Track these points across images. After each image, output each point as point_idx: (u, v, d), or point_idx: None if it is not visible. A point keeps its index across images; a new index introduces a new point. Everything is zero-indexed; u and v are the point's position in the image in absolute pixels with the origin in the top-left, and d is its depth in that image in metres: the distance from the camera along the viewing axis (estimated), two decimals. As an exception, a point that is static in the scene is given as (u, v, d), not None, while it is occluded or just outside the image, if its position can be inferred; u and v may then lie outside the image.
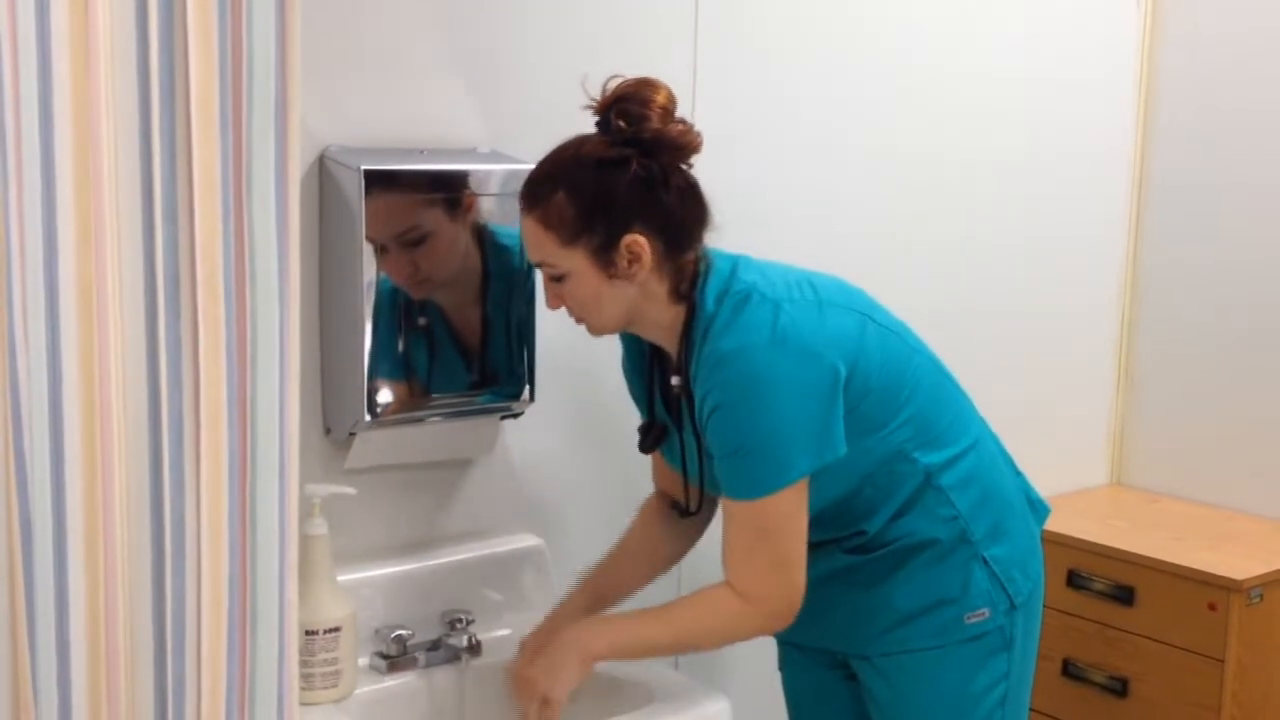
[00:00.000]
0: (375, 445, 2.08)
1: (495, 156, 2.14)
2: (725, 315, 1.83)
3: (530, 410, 2.20)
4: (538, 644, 1.99)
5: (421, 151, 2.09)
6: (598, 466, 2.36)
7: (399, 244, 2.02)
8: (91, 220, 1.42)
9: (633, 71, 1.84)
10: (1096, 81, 3.08)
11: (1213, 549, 2.81)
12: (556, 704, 1.87)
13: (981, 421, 2.05)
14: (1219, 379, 3.09)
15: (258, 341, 1.50)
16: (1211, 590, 2.68)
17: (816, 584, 1.92)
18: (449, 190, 2.06)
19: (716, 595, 1.87)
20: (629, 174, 1.79)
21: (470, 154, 2.14)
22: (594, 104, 1.82)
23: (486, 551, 2.22)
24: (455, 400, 2.12)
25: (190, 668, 1.53)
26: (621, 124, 1.79)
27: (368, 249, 1.98)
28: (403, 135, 2.09)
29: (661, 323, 1.89)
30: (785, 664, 2.19)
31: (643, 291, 1.85)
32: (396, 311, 2.03)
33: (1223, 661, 2.68)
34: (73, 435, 1.44)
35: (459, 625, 2.08)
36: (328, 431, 2.07)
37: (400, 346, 2.04)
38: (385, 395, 2.03)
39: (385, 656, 2.05)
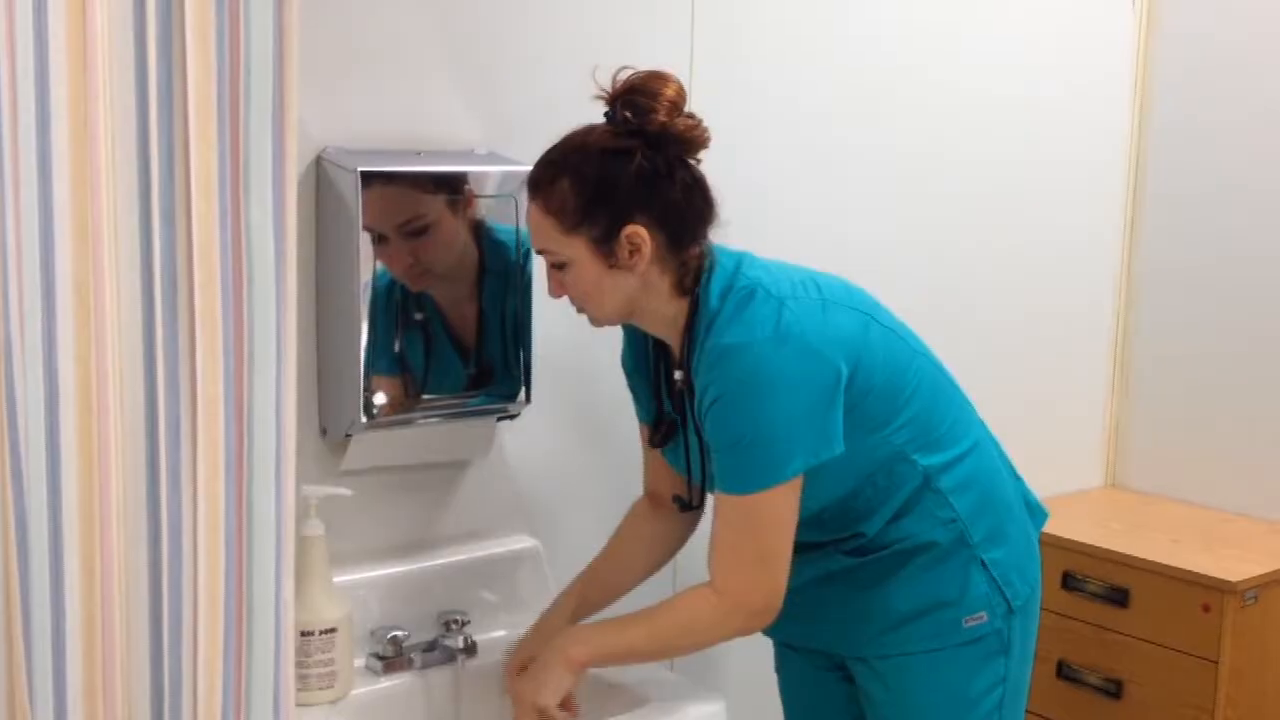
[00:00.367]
0: (371, 446, 2.08)
1: (493, 158, 2.14)
2: (729, 311, 1.83)
3: (526, 412, 2.21)
4: (526, 650, 2.00)
5: (419, 153, 2.09)
6: (594, 468, 2.36)
7: (399, 234, 2.02)
8: (89, 220, 1.42)
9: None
10: (1092, 86, 3.08)
11: (1207, 551, 2.82)
12: (549, 711, 1.87)
13: (981, 424, 2.05)
14: (1214, 382, 3.10)
15: (254, 342, 1.51)
16: (1206, 592, 2.69)
17: (814, 585, 1.92)
18: (446, 192, 2.06)
19: (696, 595, 1.87)
20: (633, 165, 1.79)
21: (468, 155, 2.14)
22: (605, 94, 1.83)
23: (482, 553, 2.22)
24: (451, 402, 2.12)
25: (186, 668, 1.53)
26: (628, 115, 1.80)
27: (365, 251, 1.98)
28: (400, 136, 2.10)
29: (664, 316, 1.89)
30: (781, 665, 2.19)
31: (644, 283, 1.85)
32: (393, 312, 2.03)
33: (1217, 663, 2.68)
34: (69, 435, 1.44)
35: (455, 626, 2.08)
36: (324, 433, 2.07)
37: (397, 348, 2.04)
38: (381, 397, 2.03)
39: (381, 657, 2.05)
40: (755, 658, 2.22)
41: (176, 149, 1.46)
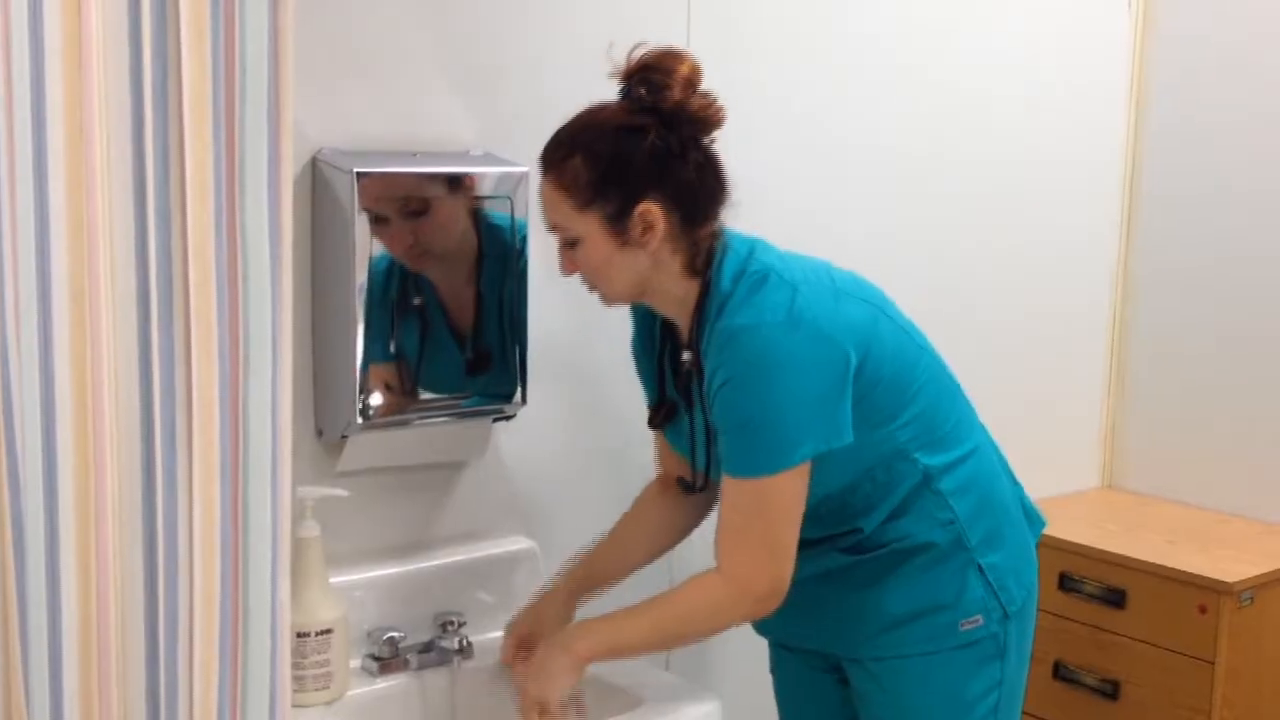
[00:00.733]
0: (367, 447, 2.08)
1: (488, 159, 2.14)
2: (741, 294, 1.82)
3: (522, 413, 2.21)
4: (523, 625, 2.00)
5: (414, 154, 2.10)
6: (590, 469, 2.36)
7: (400, 214, 2.02)
8: (84, 221, 1.42)
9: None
10: (1089, 87, 3.09)
11: (1203, 552, 2.82)
12: (553, 707, 1.87)
13: (983, 429, 2.05)
14: (1210, 382, 3.10)
15: (250, 343, 1.50)
16: (1202, 593, 2.69)
17: (810, 583, 1.91)
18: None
19: (701, 582, 1.87)
20: (646, 142, 1.79)
21: (463, 157, 2.14)
22: (618, 71, 1.82)
23: (479, 554, 2.22)
24: (447, 402, 2.12)
25: (182, 669, 1.53)
26: (642, 92, 1.80)
27: (360, 251, 1.98)
28: (396, 137, 2.10)
29: (674, 296, 1.88)
30: (777, 666, 2.18)
31: (655, 262, 1.84)
32: (390, 296, 2.03)
33: (1213, 664, 2.69)
34: (65, 436, 1.44)
35: (451, 627, 2.08)
36: (320, 434, 2.07)
37: (392, 349, 2.04)
38: (377, 398, 2.03)
39: (377, 658, 2.05)
40: (750, 658, 2.22)
41: (172, 149, 1.46)
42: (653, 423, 2.02)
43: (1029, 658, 2.06)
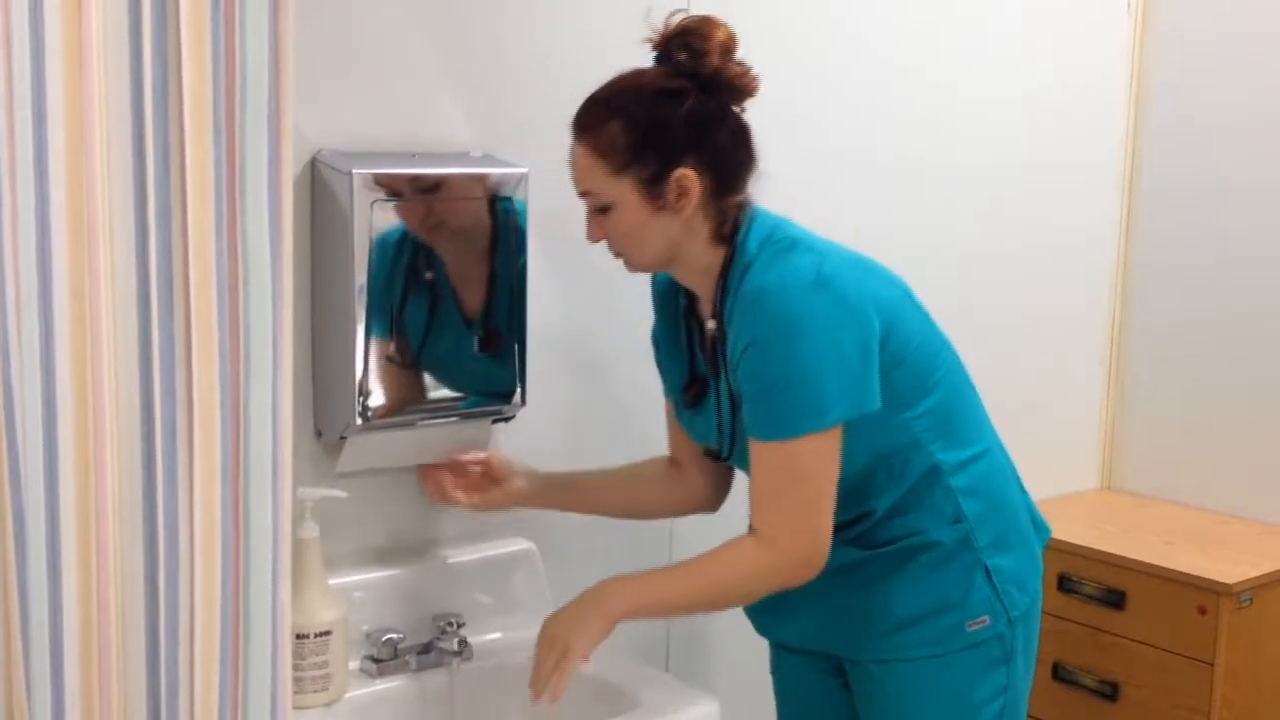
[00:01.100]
0: (366, 448, 2.08)
1: (488, 160, 2.14)
2: (766, 258, 1.82)
3: (522, 414, 2.20)
4: (492, 462, 2.08)
5: (414, 155, 2.09)
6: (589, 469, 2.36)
7: (412, 190, 2.01)
8: (85, 221, 1.42)
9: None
10: (1088, 87, 3.09)
11: (1203, 553, 2.82)
12: (574, 657, 1.84)
13: (995, 433, 2.04)
14: (1209, 383, 3.10)
15: (251, 344, 1.50)
16: (1201, 594, 2.69)
17: (813, 581, 1.90)
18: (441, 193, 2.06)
19: (741, 546, 1.84)
20: (685, 107, 1.80)
21: (463, 158, 2.14)
22: (654, 37, 1.83)
23: (478, 555, 2.22)
24: (447, 403, 2.12)
25: (183, 669, 1.53)
26: (683, 57, 1.80)
27: (360, 252, 1.98)
28: (395, 139, 2.09)
29: (700, 264, 1.88)
30: (777, 668, 2.17)
31: (687, 228, 1.84)
32: (401, 285, 2.03)
33: (1213, 665, 2.69)
34: (66, 436, 1.44)
35: (450, 629, 2.08)
36: (319, 434, 2.07)
37: (392, 350, 2.04)
38: (376, 398, 2.03)
39: (376, 660, 2.05)
40: (750, 659, 2.22)
41: (172, 151, 1.46)
42: (684, 403, 2.00)
43: (1034, 666, 2.05)
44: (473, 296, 2.11)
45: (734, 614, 2.12)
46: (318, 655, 1.94)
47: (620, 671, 2.05)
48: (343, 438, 2.05)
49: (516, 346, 2.15)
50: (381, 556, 2.15)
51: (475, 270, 2.10)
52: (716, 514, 2.12)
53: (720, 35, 1.82)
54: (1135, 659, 2.80)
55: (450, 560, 2.20)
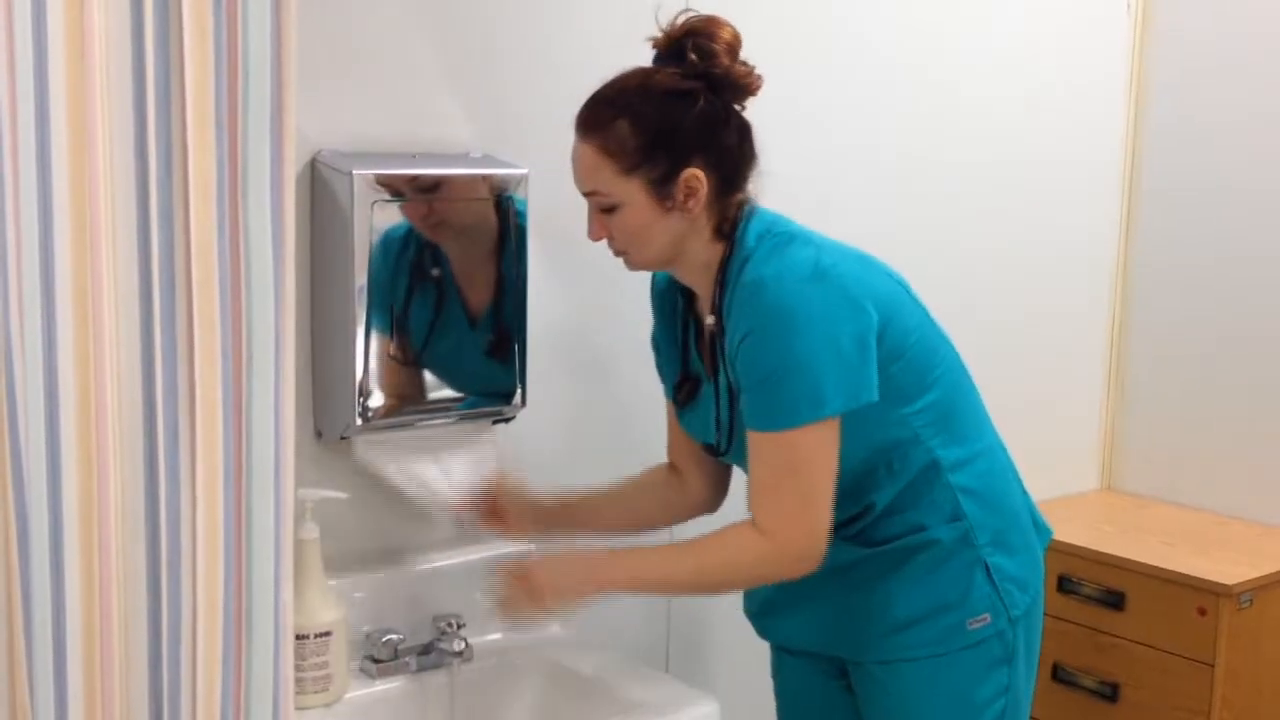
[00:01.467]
0: (367, 449, 2.08)
1: (488, 161, 2.14)
2: (764, 251, 1.82)
3: (522, 414, 2.20)
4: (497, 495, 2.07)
5: (414, 156, 2.09)
6: (589, 470, 2.34)
7: (412, 189, 2.01)
8: (87, 221, 1.42)
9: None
10: (1089, 87, 3.09)
11: (1202, 554, 2.82)
12: (540, 597, 1.84)
13: (995, 432, 2.04)
14: (1209, 384, 3.10)
15: (253, 344, 1.50)
16: (1201, 595, 2.69)
17: (814, 580, 1.88)
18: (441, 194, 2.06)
19: (740, 533, 1.84)
20: (696, 108, 1.79)
21: (463, 158, 2.13)
22: (659, 36, 1.82)
23: (478, 556, 2.22)
24: (447, 404, 2.12)
25: (186, 670, 1.53)
26: (694, 57, 1.80)
27: (360, 253, 1.98)
28: (396, 139, 2.09)
29: (701, 260, 1.88)
30: (778, 670, 2.17)
31: (691, 227, 1.84)
32: (406, 281, 2.03)
33: (1213, 666, 2.69)
34: (68, 437, 1.44)
35: (450, 629, 2.08)
36: (319, 435, 2.07)
37: (394, 349, 2.04)
38: (376, 399, 2.03)
39: (376, 660, 2.05)
40: (751, 660, 2.22)
41: (175, 152, 1.46)
42: (677, 400, 2.01)
43: (1036, 667, 2.05)
44: (475, 296, 2.11)
45: (734, 615, 2.12)
46: (318, 656, 1.93)
47: (620, 671, 2.04)
48: (343, 438, 2.05)
49: (517, 347, 2.15)
50: (382, 557, 2.15)
51: (476, 270, 2.10)
52: (715, 514, 2.12)
53: (727, 35, 1.82)
54: (1135, 660, 2.80)
55: (451, 561, 2.19)
